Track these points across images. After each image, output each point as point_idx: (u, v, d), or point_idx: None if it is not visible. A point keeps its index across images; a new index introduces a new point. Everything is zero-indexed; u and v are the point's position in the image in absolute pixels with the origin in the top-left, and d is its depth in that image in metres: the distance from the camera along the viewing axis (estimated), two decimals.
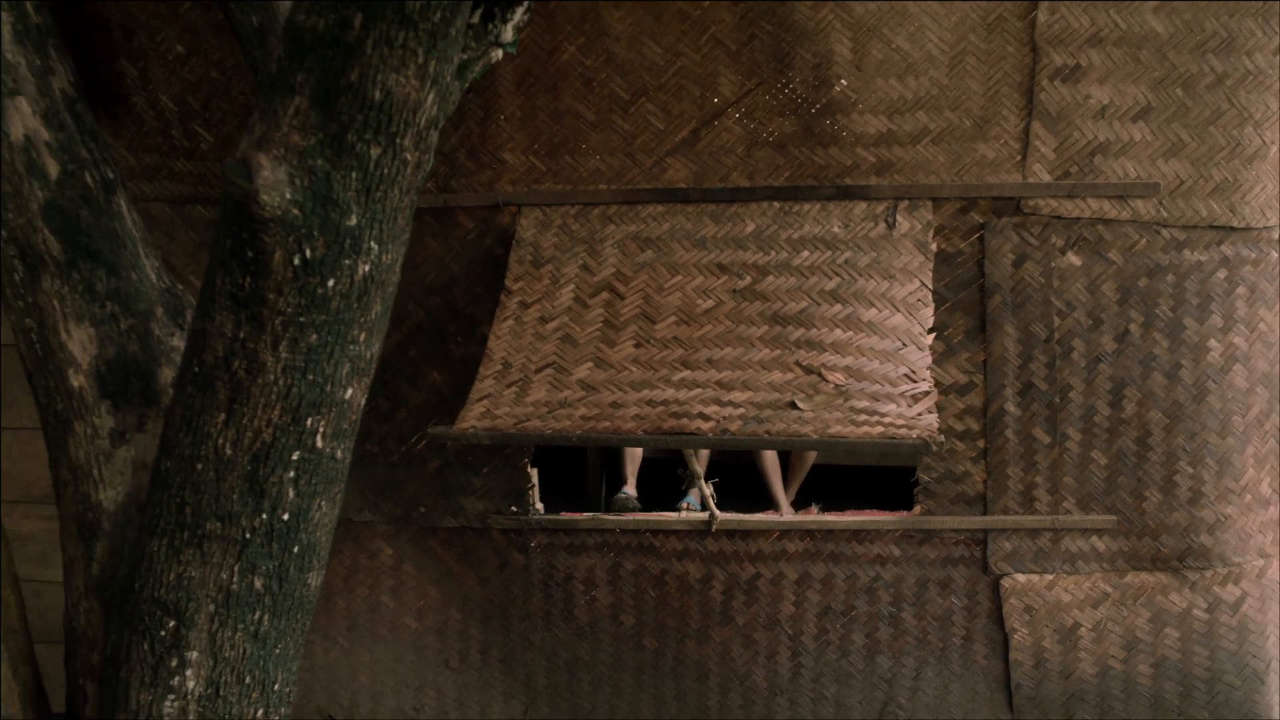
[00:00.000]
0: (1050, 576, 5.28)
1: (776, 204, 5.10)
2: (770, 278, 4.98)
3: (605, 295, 5.04)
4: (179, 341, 4.02)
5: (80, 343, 3.88)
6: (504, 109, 5.16)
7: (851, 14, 4.86)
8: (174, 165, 5.45)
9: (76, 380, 3.88)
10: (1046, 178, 4.96)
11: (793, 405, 4.46)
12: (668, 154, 5.13)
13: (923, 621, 5.42)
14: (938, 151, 4.99)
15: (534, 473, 5.54)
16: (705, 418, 4.45)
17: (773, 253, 5.03)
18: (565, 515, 5.54)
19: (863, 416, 4.38)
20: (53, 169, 3.87)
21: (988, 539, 5.28)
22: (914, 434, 4.25)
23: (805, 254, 5.00)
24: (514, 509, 5.49)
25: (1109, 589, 5.28)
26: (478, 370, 4.94)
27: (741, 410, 4.48)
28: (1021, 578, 5.29)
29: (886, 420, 4.35)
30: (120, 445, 3.92)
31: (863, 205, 5.05)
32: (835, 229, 5.02)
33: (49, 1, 4.08)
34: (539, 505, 5.55)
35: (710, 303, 4.95)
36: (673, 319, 4.93)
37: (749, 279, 4.99)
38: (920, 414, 4.38)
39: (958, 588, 5.35)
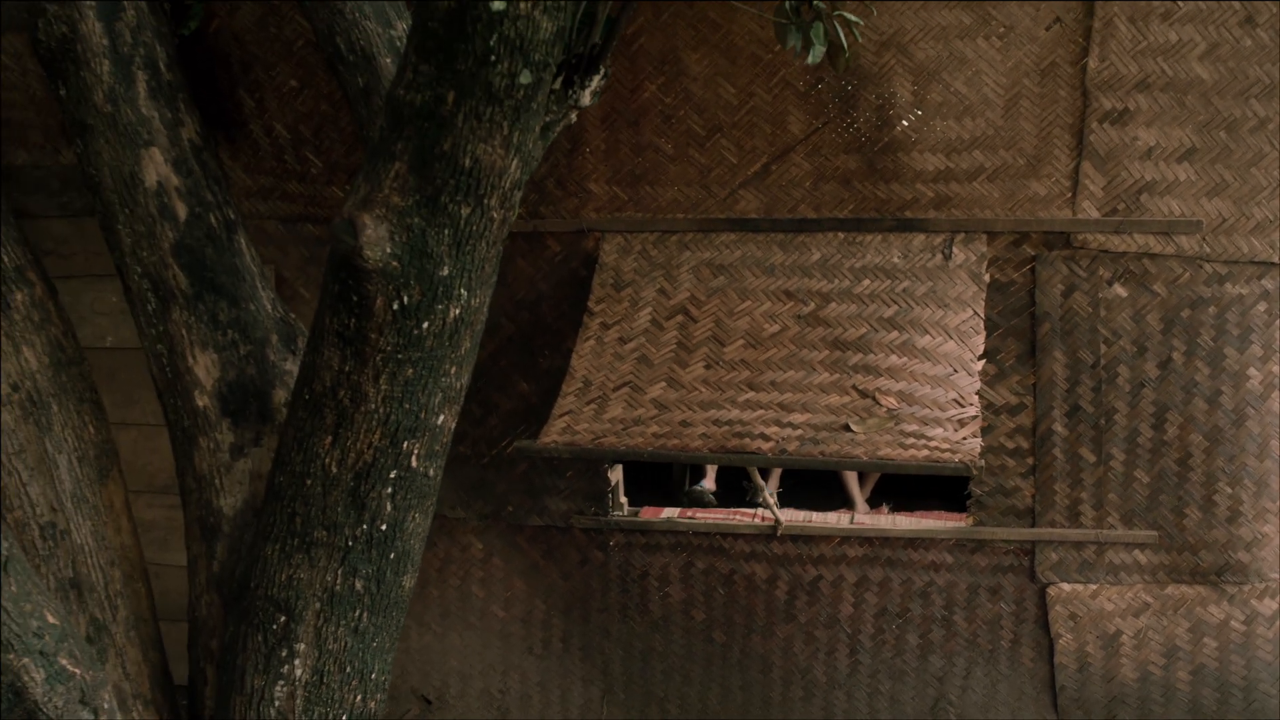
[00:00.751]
0: (1094, 586, 5.47)
1: (841, 235, 5.29)
2: (833, 304, 5.17)
3: (680, 318, 5.25)
4: (291, 365, 4.33)
5: (205, 367, 4.21)
6: (589, 142, 5.40)
7: (913, 59, 5.04)
8: (286, 187, 5.75)
9: (201, 400, 4.23)
10: (1095, 214, 5.12)
11: (847, 427, 4.66)
12: (740, 186, 5.34)
13: (973, 625, 5.63)
14: (993, 188, 5.15)
15: (618, 471, 5.79)
16: (765, 438, 4.66)
17: (836, 281, 5.23)
18: (643, 516, 5.79)
19: (911, 440, 4.57)
20: (182, 211, 4.21)
21: (1035, 550, 5.48)
22: (956, 458, 4.44)
23: (866, 282, 5.19)
24: (594, 510, 5.77)
25: (1150, 599, 5.46)
26: (561, 384, 5.19)
27: (800, 431, 4.69)
28: (1067, 587, 5.49)
29: (933, 444, 4.54)
30: (239, 458, 4.26)
31: (921, 237, 5.23)
32: (895, 259, 5.22)
33: (176, 55, 4.40)
34: (624, 500, 5.81)
35: (776, 327, 5.16)
36: (741, 342, 5.14)
37: (813, 305, 5.18)
38: (965, 438, 4.56)
39: (1006, 594, 5.56)
